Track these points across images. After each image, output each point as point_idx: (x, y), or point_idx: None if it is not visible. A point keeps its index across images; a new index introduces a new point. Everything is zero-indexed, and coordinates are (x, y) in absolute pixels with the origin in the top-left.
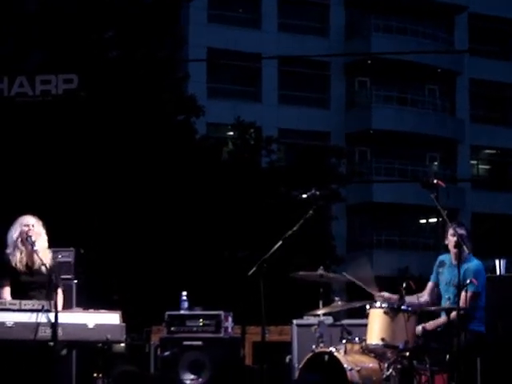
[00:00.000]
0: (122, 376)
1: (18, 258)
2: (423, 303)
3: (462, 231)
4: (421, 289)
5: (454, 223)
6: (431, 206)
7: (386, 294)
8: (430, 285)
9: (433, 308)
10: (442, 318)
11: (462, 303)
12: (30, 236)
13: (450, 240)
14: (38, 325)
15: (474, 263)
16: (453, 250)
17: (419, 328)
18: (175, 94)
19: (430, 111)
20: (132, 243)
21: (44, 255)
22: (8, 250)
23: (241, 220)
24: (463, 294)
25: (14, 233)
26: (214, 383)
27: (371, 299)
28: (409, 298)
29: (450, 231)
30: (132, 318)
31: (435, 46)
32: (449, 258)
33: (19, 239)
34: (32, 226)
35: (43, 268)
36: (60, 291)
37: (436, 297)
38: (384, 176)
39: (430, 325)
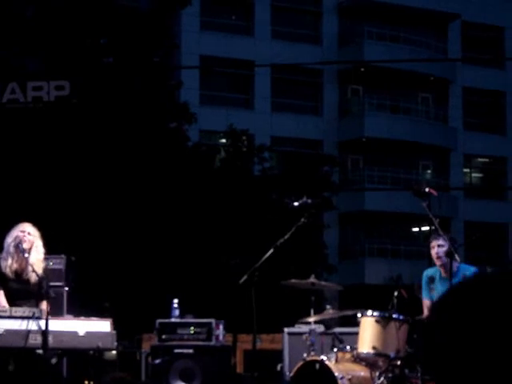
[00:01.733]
0: (113, 383)
1: (8, 264)
2: None
3: (440, 242)
4: (413, 297)
5: (434, 235)
6: (424, 215)
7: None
8: (427, 303)
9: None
10: None
11: None
12: (21, 243)
13: (432, 254)
14: (28, 332)
15: (471, 270)
16: (438, 264)
17: None
18: (168, 101)
19: (422, 119)
20: (123, 250)
21: (37, 265)
22: (1, 255)
23: (232, 227)
24: None
25: (9, 238)
26: None
27: (363, 308)
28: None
29: (432, 243)
30: (123, 325)
31: (428, 54)
32: (436, 271)
33: (12, 245)
34: (28, 234)
35: (33, 277)
36: (45, 302)
37: None
38: (376, 184)
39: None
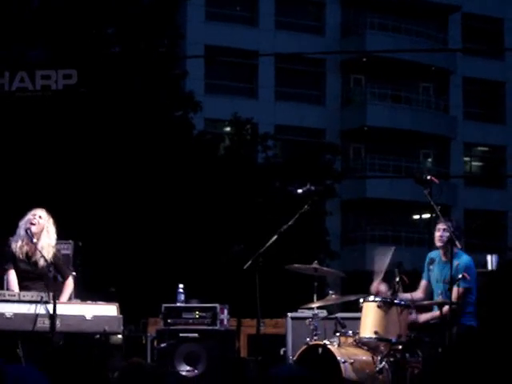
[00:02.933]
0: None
1: (18, 245)
2: (417, 300)
3: (445, 227)
4: (414, 283)
5: (440, 219)
6: (425, 202)
7: (382, 288)
8: (423, 283)
9: (426, 302)
10: (435, 312)
11: (454, 298)
12: (30, 228)
13: (436, 235)
14: (36, 316)
15: (464, 258)
16: (438, 245)
17: (412, 316)
18: (173, 90)
19: (423, 109)
20: (130, 236)
21: (46, 250)
22: (13, 237)
23: (237, 214)
24: (455, 289)
25: (22, 221)
26: (210, 375)
27: (364, 293)
28: (402, 295)
29: (439, 225)
30: (129, 309)
31: (429, 45)
32: (438, 254)
33: (23, 227)
34: (39, 217)
35: (41, 261)
36: (71, 280)
37: (430, 294)
38: (378, 172)
39: (423, 317)
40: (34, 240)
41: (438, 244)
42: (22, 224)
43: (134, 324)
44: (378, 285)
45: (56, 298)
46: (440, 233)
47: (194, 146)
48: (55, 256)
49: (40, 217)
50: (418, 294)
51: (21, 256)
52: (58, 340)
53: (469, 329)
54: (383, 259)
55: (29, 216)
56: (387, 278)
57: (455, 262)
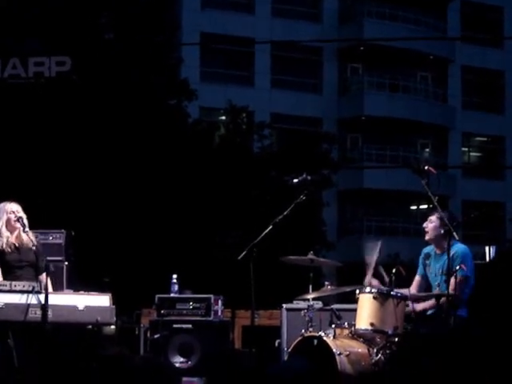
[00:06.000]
0: (110, 359)
1: (5, 241)
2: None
3: (432, 217)
4: (410, 274)
5: (433, 211)
6: (422, 193)
7: (374, 283)
8: (416, 278)
9: (423, 294)
10: (432, 301)
11: (451, 289)
12: (22, 218)
13: (428, 227)
14: (28, 306)
15: (460, 247)
16: (426, 238)
17: (409, 307)
18: (168, 78)
19: (421, 98)
20: (123, 225)
21: (28, 241)
22: None
23: (231, 204)
24: (452, 279)
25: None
26: (204, 366)
27: (361, 284)
28: (397, 291)
29: (429, 218)
30: (122, 300)
31: (427, 33)
32: (432, 249)
33: (4, 225)
34: (17, 212)
35: (33, 247)
36: (43, 277)
37: (423, 290)
38: (375, 162)
39: (420, 306)
40: (26, 229)
41: (425, 237)
42: (1, 222)
43: (127, 315)
44: (370, 279)
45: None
46: (424, 224)
47: (188, 135)
48: (36, 248)
49: (17, 211)
50: (412, 290)
51: (9, 249)
52: (50, 330)
53: (464, 320)
54: (371, 253)
55: (8, 215)
56: (377, 273)
57: (451, 252)
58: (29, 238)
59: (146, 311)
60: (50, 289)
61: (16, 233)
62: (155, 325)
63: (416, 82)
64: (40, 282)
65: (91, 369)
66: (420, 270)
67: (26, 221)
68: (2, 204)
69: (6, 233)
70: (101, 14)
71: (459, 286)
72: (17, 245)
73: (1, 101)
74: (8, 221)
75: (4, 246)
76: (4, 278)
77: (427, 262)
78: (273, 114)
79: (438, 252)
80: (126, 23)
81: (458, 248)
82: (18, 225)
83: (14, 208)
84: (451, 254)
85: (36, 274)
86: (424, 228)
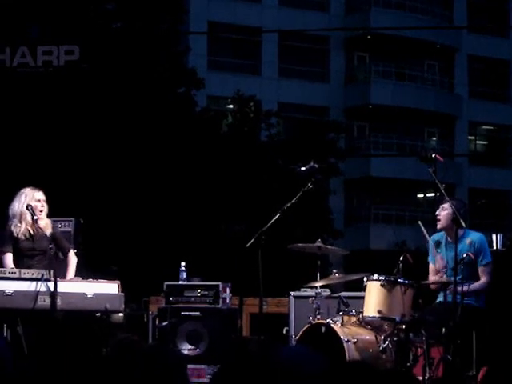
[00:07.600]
0: (119, 345)
1: (21, 230)
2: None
3: (445, 205)
4: (417, 263)
5: (445, 198)
6: (429, 181)
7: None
8: (431, 267)
9: (430, 281)
10: (444, 278)
11: (484, 279)
12: (40, 211)
13: (441, 214)
14: (37, 293)
15: (476, 234)
16: (438, 227)
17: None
18: (176, 67)
19: (428, 87)
20: (133, 214)
21: (47, 226)
22: (11, 222)
23: (239, 192)
24: (480, 269)
25: (20, 204)
26: (212, 353)
27: (368, 272)
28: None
29: (440, 205)
30: (131, 287)
31: (434, 22)
32: (442, 236)
33: (26, 212)
34: (44, 202)
35: (43, 237)
36: (72, 254)
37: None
38: (382, 151)
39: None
40: (35, 217)
41: (438, 226)
42: (23, 207)
43: (135, 302)
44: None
45: (58, 275)
46: (437, 211)
47: (196, 123)
48: (54, 231)
49: (45, 200)
50: (432, 279)
51: (23, 237)
52: (59, 317)
53: (475, 309)
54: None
55: (32, 202)
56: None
57: (467, 240)
58: (39, 227)
59: (154, 299)
60: (73, 270)
61: (33, 221)
62: (163, 312)
63: (423, 70)
64: (49, 270)
65: (101, 355)
66: (431, 257)
67: (42, 215)
68: (28, 189)
69: (27, 219)
70: (107, 1)
71: (490, 272)
72: (32, 232)
73: (11, 90)
74: (29, 207)
75: (19, 235)
76: (16, 266)
77: (438, 250)
78: (280, 102)
79: (449, 240)
80: (134, 10)
81: (475, 235)
82: (43, 215)
83: (41, 197)
84: (467, 242)
85: (49, 263)
86: (436, 216)
